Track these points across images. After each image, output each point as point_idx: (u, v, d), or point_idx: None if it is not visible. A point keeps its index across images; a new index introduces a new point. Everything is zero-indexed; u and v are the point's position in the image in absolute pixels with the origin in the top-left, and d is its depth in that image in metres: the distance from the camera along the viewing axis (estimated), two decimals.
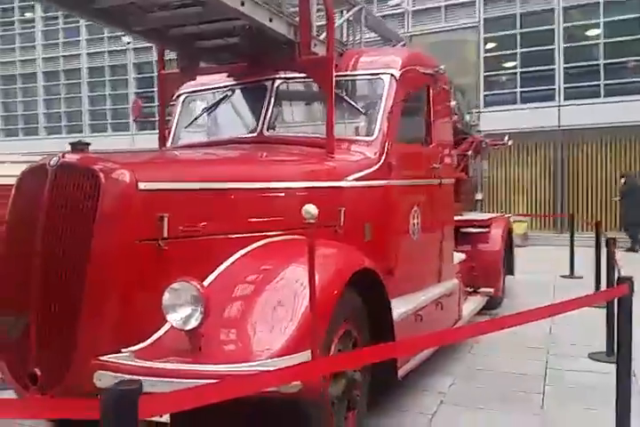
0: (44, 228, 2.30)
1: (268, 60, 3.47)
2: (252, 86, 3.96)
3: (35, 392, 2.23)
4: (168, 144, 4.10)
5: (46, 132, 20.83)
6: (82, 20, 19.57)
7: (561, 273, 8.80)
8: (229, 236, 2.60)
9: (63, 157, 2.33)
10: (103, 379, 2.13)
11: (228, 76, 3.98)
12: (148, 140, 3.96)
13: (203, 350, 2.17)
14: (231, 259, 2.55)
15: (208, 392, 1.57)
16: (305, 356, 2.11)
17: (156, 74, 3.96)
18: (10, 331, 2.39)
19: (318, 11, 3.51)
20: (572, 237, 9.05)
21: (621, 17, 13.16)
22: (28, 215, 2.37)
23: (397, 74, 3.64)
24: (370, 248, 3.41)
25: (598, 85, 13.48)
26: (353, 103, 3.64)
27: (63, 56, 20.53)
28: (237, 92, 4.05)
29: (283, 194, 2.87)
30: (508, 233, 6.71)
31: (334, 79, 3.65)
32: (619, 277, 2.60)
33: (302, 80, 3.76)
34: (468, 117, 7.75)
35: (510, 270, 7.04)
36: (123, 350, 2.24)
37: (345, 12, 4.25)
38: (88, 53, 20.13)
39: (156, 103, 4.12)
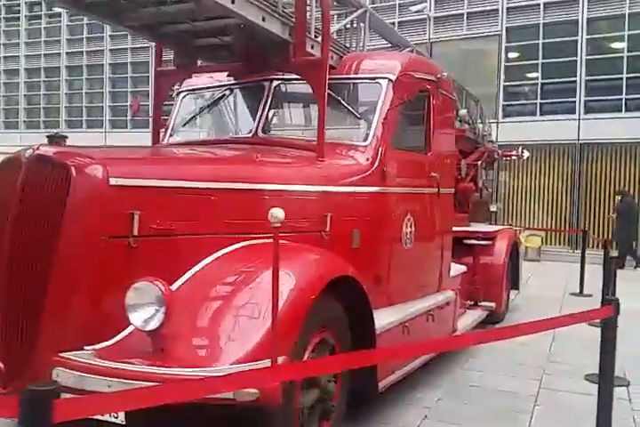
0: (14, 220, 2.27)
1: (262, 60, 3.42)
2: (251, 86, 3.92)
3: None
4: (165, 141, 4.08)
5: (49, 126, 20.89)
6: (64, 20, 19.90)
7: (571, 290, 8.61)
8: (205, 237, 2.54)
9: (37, 149, 2.30)
10: (61, 376, 2.09)
11: (228, 76, 3.94)
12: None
13: (164, 353, 2.11)
14: (206, 260, 2.49)
15: (137, 396, 1.51)
16: (265, 364, 2.03)
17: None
18: None
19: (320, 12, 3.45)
20: (583, 253, 8.85)
21: None
22: (1, 207, 2.34)
23: (395, 79, 3.56)
24: (357, 255, 3.33)
25: (620, 99, 13.23)
26: (348, 107, 3.57)
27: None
28: (236, 91, 4.01)
29: (265, 196, 2.81)
30: (514, 246, 6.56)
31: (331, 82, 3.61)
32: (604, 298, 2.48)
33: (300, 82, 3.70)
34: (480, 127, 7.63)
35: (515, 285, 6.89)
36: (86, 347, 2.20)
37: (349, 14, 4.19)
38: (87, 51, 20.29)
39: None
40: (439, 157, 4.17)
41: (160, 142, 3.89)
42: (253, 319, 2.20)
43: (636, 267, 11.96)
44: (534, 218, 14.33)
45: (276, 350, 2.01)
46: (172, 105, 4.21)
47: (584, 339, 4.76)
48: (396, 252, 3.66)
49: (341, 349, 2.87)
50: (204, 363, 2.07)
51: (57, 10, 18.64)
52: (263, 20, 2.99)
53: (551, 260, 13.13)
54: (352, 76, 3.70)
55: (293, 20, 3.25)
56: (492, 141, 8.30)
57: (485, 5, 14.67)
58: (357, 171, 3.38)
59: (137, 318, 2.11)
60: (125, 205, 2.26)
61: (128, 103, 18.43)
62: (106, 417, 2.05)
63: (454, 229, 5.64)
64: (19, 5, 21.02)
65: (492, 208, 14.56)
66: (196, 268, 2.44)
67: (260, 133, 3.69)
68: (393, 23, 15.11)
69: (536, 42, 14.00)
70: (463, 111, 6.77)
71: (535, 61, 14.06)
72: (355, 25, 4.34)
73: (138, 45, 18.28)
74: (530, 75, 14.37)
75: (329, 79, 3.66)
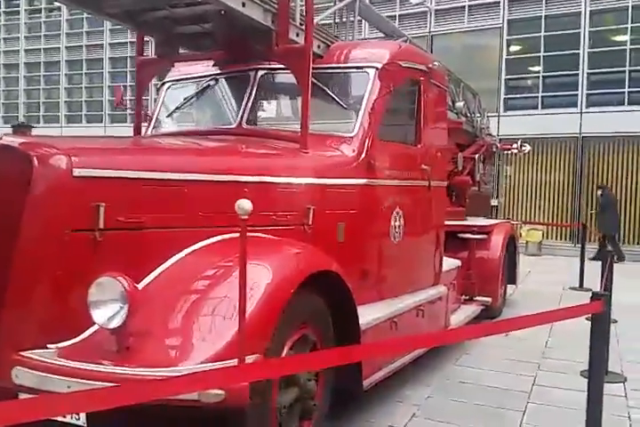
0: None
1: (245, 49, 3.32)
2: (236, 76, 3.82)
3: None
4: (149, 133, 3.99)
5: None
6: (64, 14, 19.77)
7: (571, 285, 8.51)
8: (178, 230, 2.45)
9: (0, 139, 2.21)
10: (20, 376, 2.01)
11: (213, 66, 3.85)
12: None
13: (129, 352, 2.02)
14: (178, 255, 2.40)
15: (94, 398, 1.42)
16: (232, 364, 1.94)
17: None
18: None
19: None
20: (582, 248, 8.75)
21: None
22: None
23: (383, 67, 3.45)
24: (342, 249, 3.24)
25: (623, 93, 13.06)
26: (334, 97, 3.47)
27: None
28: (221, 81, 3.91)
29: (243, 188, 2.70)
30: (511, 240, 6.45)
31: (318, 71, 3.51)
32: (593, 293, 2.39)
33: (287, 71, 3.60)
34: (478, 120, 7.51)
35: (512, 279, 6.79)
36: (49, 346, 2.12)
37: (338, 1, 4.08)
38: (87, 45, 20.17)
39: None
40: (430, 150, 4.06)
41: (140, 133, 3.79)
42: (224, 317, 2.10)
43: (617, 260, 11.91)
44: (536, 212, 14.19)
45: (244, 348, 1.91)
46: (155, 95, 4.10)
47: (581, 334, 4.65)
48: (383, 246, 3.56)
49: (323, 346, 2.79)
50: (169, 362, 1.98)
51: (56, 4, 18.54)
52: (243, 5, 2.89)
53: (552, 254, 13.04)
54: (339, 65, 3.59)
55: (276, 6, 3.14)
56: (490, 134, 8.17)
57: None
58: (343, 162, 3.28)
59: (99, 316, 2.02)
60: (90, 196, 2.16)
61: (128, 98, 18.31)
62: (67, 419, 1.97)
63: (449, 223, 5.56)
64: None
65: (493, 202, 14.45)
66: (168, 263, 2.34)
67: (245, 124, 3.59)
68: (393, 16, 14.97)
69: (538, 35, 13.83)
70: (460, 104, 6.66)
71: (537, 54, 13.89)
72: (344, 14, 4.22)
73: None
74: (531, 68, 14.20)
75: (315, 69, 3.56)
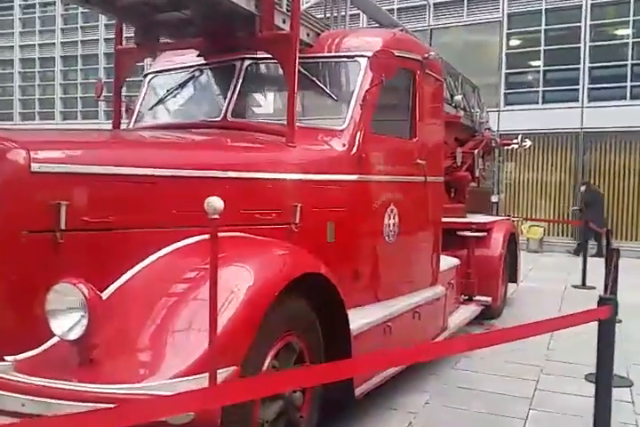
0: None
1: (227, 36, 3.12)
2: (221, 67, 3.62)
3: None
4: (131, 126, 3.79)
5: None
6: (59, 9, 19.48)
7: (573, 282, 8.32)
8: (150, 231, 2.26)
9: None
10: None
11: (198, 56, 3.65)
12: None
13: (91, 366, 1.83)
14: (150, 258, 2.20)
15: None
16: (201, 380, 1.75)
17: None
18: None
19: None
20: (584, 245, 8.55)
21: None
22: None
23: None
24: (332, 250, 3.06)
25: (625, 87, 12.83)
26: (323, 87, 3.27)
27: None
28: (206, 72, 3.71)
29: (224, 185, 2.51)
30: (512, 238, 6.25)
31: (306, 61, 3.32)
32: (601, 298, 2.20)
33: (274, 61, 3.40)
34: (477, 114, 7.30)
35: (513, 278, 6.59)
36: (6, 358, 1.93)
37: None
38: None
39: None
40: (426, 143, 3.86)
41: (119, 125, 3.60)
42: (197, 327, 1.91)
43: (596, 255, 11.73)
44: (537, 208, 13.98)
45: (216, 363, 1.73)
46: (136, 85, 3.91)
47: (585, 335, 4.47)
48: (376, 246, 3.37)
49: (311, 353, 2.60)
50: (136, 378, 1.79)
51: None
52: None
53: (553, 251, 12.84)
54: (329, 54, 3.40)
55: None
56: (489, 129, 7.96)
57: None
58: (332, 157, 3.08)
59: (57, 326, 1.83)
60: (51, 194, 1.97)
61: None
62: None
63: (448, 220, 5.36)
64: None
65: (494, 199, 14.24)
66: (138, 266, 2.15)
67: (230, 117, 3.39)
68: (392, 10, 14.73)
69: (538, 28, 13.59)
70: (458, 97, 6.46)
71: (537, 48, 13.66)
72: (337, 3, 4.02)
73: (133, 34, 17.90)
74: (532, 62, 13.97)
75: (304, 58, 3.37)
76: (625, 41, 12.92)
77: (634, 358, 4.65)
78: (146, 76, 3.89)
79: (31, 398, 1.73)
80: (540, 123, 12.92)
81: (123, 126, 3.78)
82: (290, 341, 2.44)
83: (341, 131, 3.16)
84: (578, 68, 13.24)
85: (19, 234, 1.92)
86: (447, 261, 4.76)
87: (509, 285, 6.70)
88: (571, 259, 11.44)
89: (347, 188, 3.12)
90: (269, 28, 2.96)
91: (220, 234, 2.44)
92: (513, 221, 7.19)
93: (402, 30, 4.71)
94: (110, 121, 3.72)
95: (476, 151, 6.94)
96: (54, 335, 1.92)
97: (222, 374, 1.88)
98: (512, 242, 6.28)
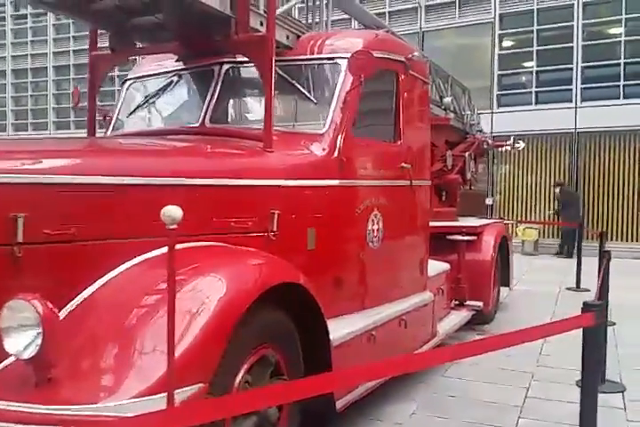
0: None
1: (203, 39, 3.04)
2: (200, 71, 3.54)
3: None
4: (109, 133, 3.71)
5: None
6: (50, 19, 19.40)
7: (568, 285, 8.25)
8: (115, 242, 2.17)
9: None
10: None
11: (176, 61, 3.57)
12: None
13: (47, 387, 1.75)
14: (115, 271, 2.12)
15: None
16: (161, 400, 1.66)
17: None
18: None
19: None
20: (579, 247, 8.48)
21: None
22: None
23: None
24: (313, 258, 2.97)
25: (618, 86, 12.79)
26: (303, 90, 3.20)
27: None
28: (185, 77, 3.64)
29: (194, 193, 2.43)
30: (504, 241, 6.17)
31: (286, 64, 3.25)
32: (584, 304, 2.11)
33: (253, 64, 3.32)
34: (468, 115, 7.23)
35: (505, 282, 6.51)
36: None
37: None
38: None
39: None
40: (411, 146, 3.78)
41: (94, 133, 3.51)
42: (160, 344, 1.82)
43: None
44: (532, 210, 13.92)
45: (173, 382, 1.64)
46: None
47: (578, 339, 4.39)
48: (360, 252, 3.28)
49: (289, 366, 2.52)
50: (93, 399, 1.70)
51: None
52: None
53: (549, 253, 12.77)
54: (309, 56, 3.32)
55: None
56: (481, 131, 7.89)
57: None
58: (312, 162, 3.00)
59: (11, 344, 1.74)
60: (7, 206, 1.89)
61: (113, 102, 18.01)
62: None
63: (438, 224, 5.28)
64: (4, 5, 20.55)
65: (488, 201, 14.17)
66: (102, 280, 2.07)
67: (208, 123, 3.30)
68: (383, 13, 14.69)
69: (530, 28, 13.56)
70: (448, 99, 6.40)
71: (530, 49, 13.62)
72: (317, 2, 3.95)
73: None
74: (525, 63, 13.92)
75: (283, 61, 3.30)
76: (618, 39, 12.88)
77: (627, 363, 4.57)
78: (124, 82, 3.81)
79: None
80: (533, 124, 12.87)
81: (100, 135, 3.70)
82: (265, 354, 2.35)
83: (321, 135, 3.08)
84: (571, 68, 13.19)
85: None
86: (436, 267, 4.68)
87: (502, 289, 6.63)
88: (565, 261, 11.36)
89: (328, 193, 3.04)
90: (245, 31, 2.88)
91: (191, 244, 2.38)
92: (505, 223, 7.09)
93: (387, 32, 4.64)
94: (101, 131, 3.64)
95: (467, 154, 6.86)
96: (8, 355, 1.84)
97: (187, 392, 1.80)
98: (504, 245, 6.20)
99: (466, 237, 5.38)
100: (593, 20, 13.06)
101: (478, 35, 14.28)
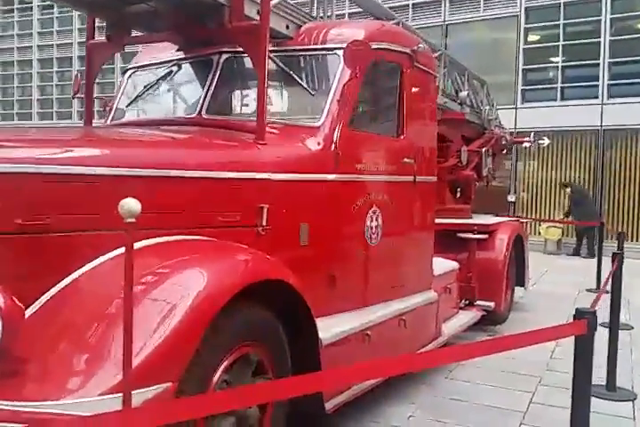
0: None
1: (196, 27, 2.96)
2: (199, 61, 3.47)
3: None
4: (108, 122, 3.67)
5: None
6: (35, 14, 19.71)
7: (588, 286, 8.01)
8: (93, 233, 2.11)
9: None
10: None
11: (177, 50, 3.51)
12: None
13: (6, 382, 1.69)
14: (91, 264, 2.06)
15: None
16: (114, 400, 1.60)
17: None
18: None
19: None
20: (600, 247, 8.23)
21: None
22: None
23: None
24: (306, 254, 2.89)
25: None
26: (300, 82, 3.10)
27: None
28: (184, 67, 3.57)
29: (179, 185, 2.36)
30: (519, 240, 5.99)
31: (284, 54, 3.18)
32: (577, 311, 1.98)
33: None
34: (486, 110, 7.03)
35: (520, 282, 6.33)
36: None
37: None
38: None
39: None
40: (416, 141, 3.66)
41: (91, 122, 3.47)
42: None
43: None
44: (556, 208, 13.59)
45: (130, 382, 1.57)
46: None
47: (596, 342, 4.24)
48: (356, 249, 3.18)
49: (275, 365, 2.44)
50: (54, 396, 1.64)
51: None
52: None
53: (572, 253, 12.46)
54: (309, 46, 3.22)
55: None
56: (499, 126, 7.68)
57: None
58: (306, 156, 2.91)
59: None
60: None
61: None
62: None
63: (448, 221, 5.15)
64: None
65: (510, 198, 13.85)
66: (76, 273, 2.01)
67: (205, 114, 3.23)
68: (407, 5, 14.48)
69: (557, 23, 13.20)
70: (464, 93, 6.23)
71: (556, 43, 13.26)
72: None
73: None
74: (550, 58, 13.57)
75: (282, 51, 3.22)
76: None
77: None
78: (125, 72, 3.76)
79: None
80: (558, 120, 12.55)
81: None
82: (247, 352, 2.27)
83: (317, 127, 2.98)
84: (597, 64, 12.81)
85: None
86: (443, 265, 4.55)
87: (518, 289, 6.45)
88: (588, 261, 11.07)
89: (323, 188, 2.95)
90: (239, 19, 2.80)
91: (171, 238, 2.32)
92: (522, 222, 6.90)
93: (397, 23, 4.51)
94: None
95: (483, 150, 6.69)
96: None
97: (151, 391, 1.73)
98: (518, 244, 6.02)
99: (477, 236, 5.22)
100: (621, 15, 12.65)
101: (503, 28, 13.96)
